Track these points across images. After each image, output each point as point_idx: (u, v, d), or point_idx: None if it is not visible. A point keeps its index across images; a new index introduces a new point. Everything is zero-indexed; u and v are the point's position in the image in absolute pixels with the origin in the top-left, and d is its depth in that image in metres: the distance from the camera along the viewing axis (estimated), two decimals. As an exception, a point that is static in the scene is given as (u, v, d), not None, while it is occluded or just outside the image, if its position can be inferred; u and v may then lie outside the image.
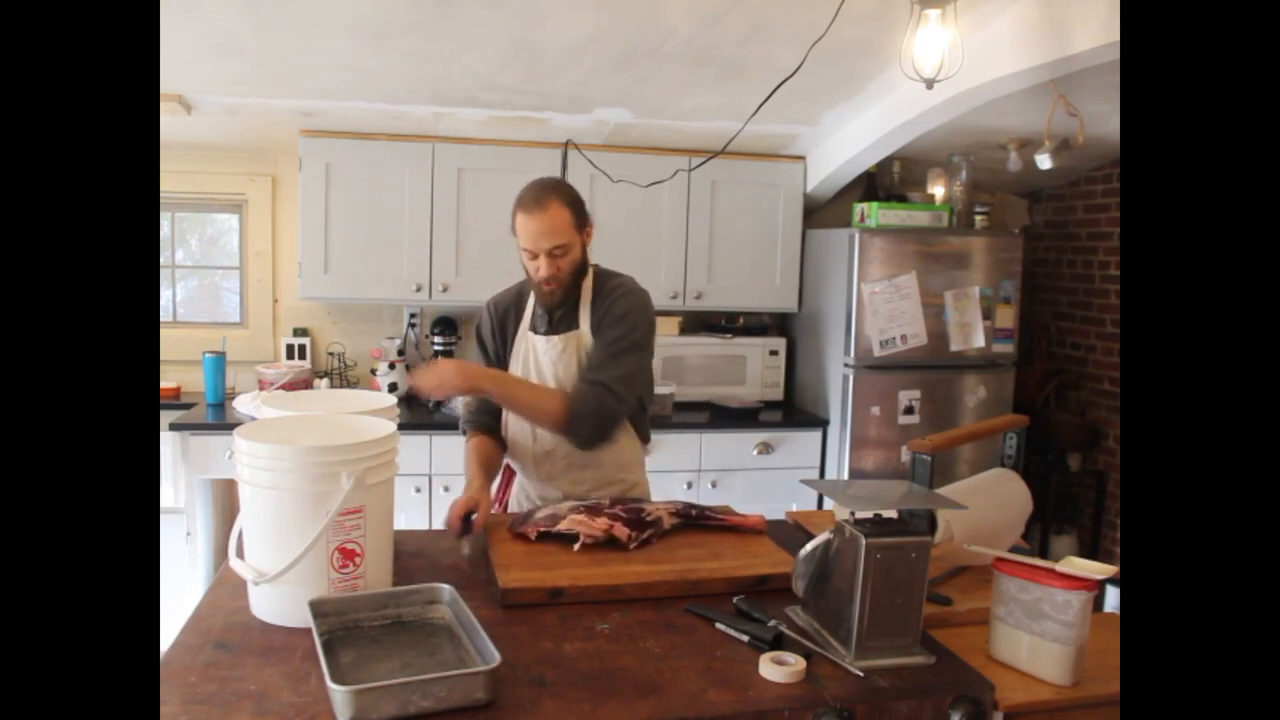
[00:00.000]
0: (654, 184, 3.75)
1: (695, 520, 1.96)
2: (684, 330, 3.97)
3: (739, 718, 1.26)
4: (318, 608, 1.40)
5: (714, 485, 3.67)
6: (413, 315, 4.03)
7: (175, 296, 4.02)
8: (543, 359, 2.13)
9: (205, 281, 4.09)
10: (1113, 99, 3.07)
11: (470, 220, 3.68)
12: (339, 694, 1.17)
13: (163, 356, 3.76)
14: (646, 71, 3.06)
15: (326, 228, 3.59)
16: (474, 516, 1.89)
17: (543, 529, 1.83)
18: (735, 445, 3.67)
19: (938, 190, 3.88)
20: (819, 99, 3.36)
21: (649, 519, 1.88)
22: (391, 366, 3.87)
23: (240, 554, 1.52)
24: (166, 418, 3.41)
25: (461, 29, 2.72)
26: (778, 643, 1.42)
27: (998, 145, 3.71)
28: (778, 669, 1.34)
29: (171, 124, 3.39)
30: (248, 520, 1.52)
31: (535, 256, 2.02)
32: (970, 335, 3.71)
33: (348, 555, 1.49)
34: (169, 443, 3.43)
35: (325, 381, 3.87)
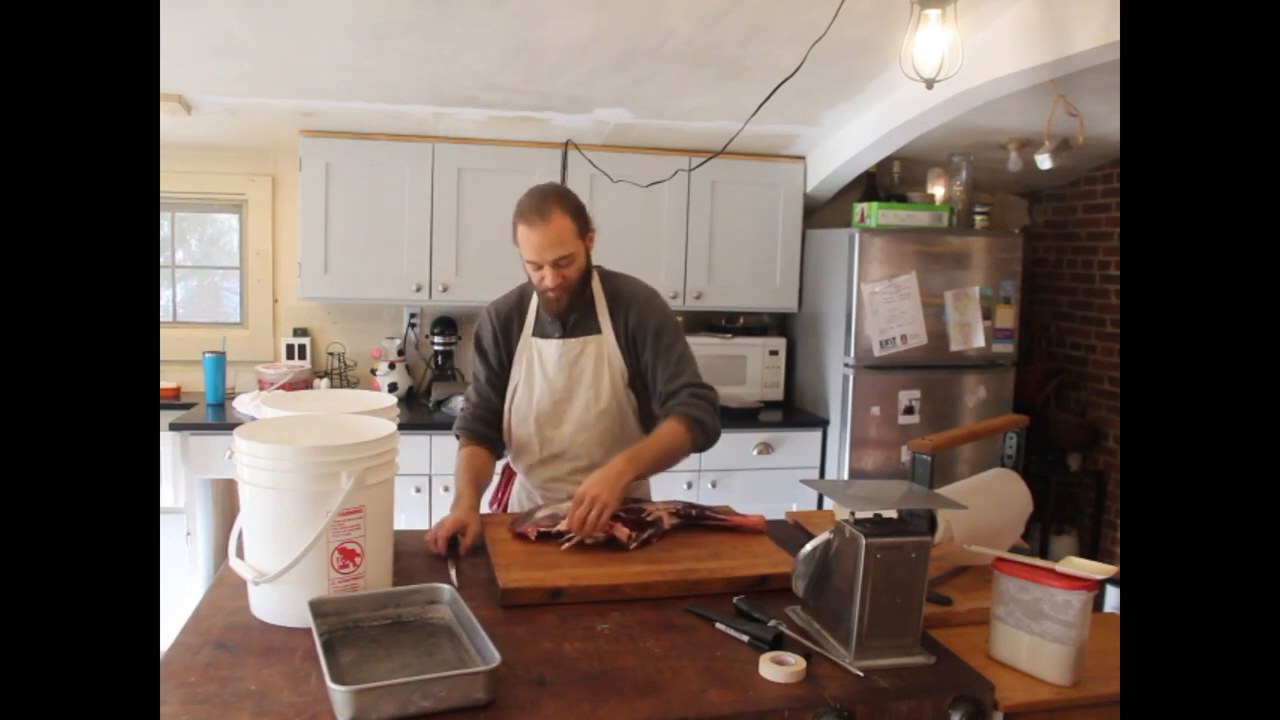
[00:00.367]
0: (654, 184, 3.75)
1: (695, 520, 1.96)
2: (684, 330, 3.96)
3: (739, 718, 1.26)
4: (318, 608, 1.40)
5: (714, 485, 3.67)
6: (413, 315, 4.03)
7: (175, 296, 4.02)
8: (550, 364, 2.12)
9: (205, 281, 4.09)
10: (1113, 99, 3.07)
11: (470, 220, 3.68)
12: (339, 694, 1.17)
13: (163, 356, 3.76)
14: (646, 71, 3.06)
15: (326, 228, 3.59)
16: (460, 538, 1.84)
17: (543, 529, 1.83)
18: (735, 445, 3.67)
19: (938, 190, 3.88)
20: (819, 99, 3.36)
21: (649, 519, 1.88)
22: (391, 366, 3.88)
23: (240, 554, 1.52)
24: (166, 418, 3.41)
25: (461, 29, 2.72)
26: (778, 643, 1.42)
27: (998, 145, 3.71)
28: (778, 669, 1.34)
29: (171, 124, 3.39)
30: (248, 520, 1.52)
31: (539, 267, 2.00)
32: (970, 335, 3.71)
33: (348, 555, 1.49)
34: (169, 443, 3.43)
35: (325, 381, 3.87)
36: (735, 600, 1.58)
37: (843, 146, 3.67)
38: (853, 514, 1.45)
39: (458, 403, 3.56)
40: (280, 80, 3.12)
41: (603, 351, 2.10)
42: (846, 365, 3.66)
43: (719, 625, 1.51)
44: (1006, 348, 3.78)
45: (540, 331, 2.15)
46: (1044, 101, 3.03)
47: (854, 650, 1.40)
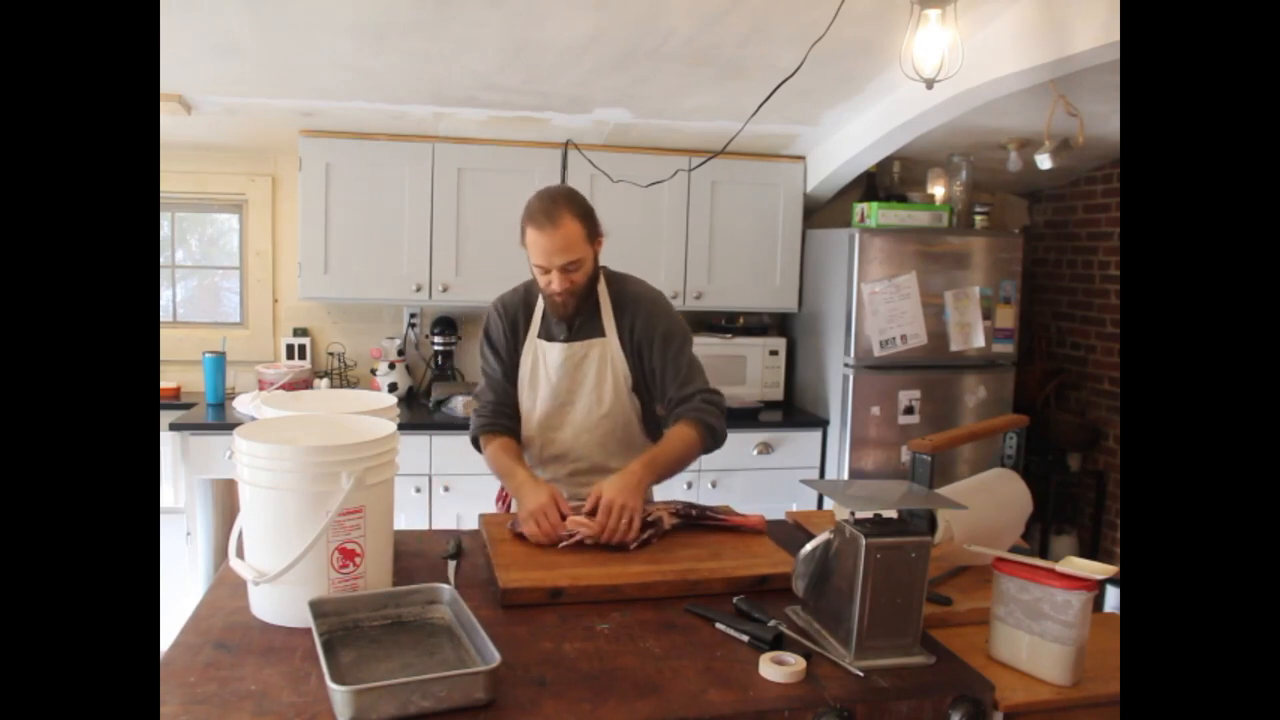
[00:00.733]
0: (654, 184, 3.75)
1: (695, 520, 1.96)
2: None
3: (739, 718, 1.26)
4: (318, 608, 1.40)
5: (714, 485, 3.67)
6: (413, 315, 4.03)
7: (175, 296, 4.02)
8: (553, 367, 2.12)
9: (205, 281, 4.09)
10: (1113, 99, 3.07)
11: (470, 220, 3.68)
12: (339, 694, 1.17)
13: (163, 356, 3.76)
14: (646, 71, 3.06)
15: (326, 228, 3.59)
16: (560, 508, 1.83)
17: (562, 541, 1.83)
18: (735, 445, 3.64)
19: (938, 190, 3.88)
20: (819, 99, 3.36)
21: (649, 519, 1.88)
22: (391, 366, 3.88)
23: (240, 554, 1.52)
24: (166, 418, 3.41)
25: (461, 29, 2.72)
26: (778, 643, 1.42)
27: (998, 145, 3.71)
28: (778, 669, 1.34)
29: (171, 124, 3.39)
30: (248, 520, 1.52)
31: (547, 271, 1.99)
32: (970, 335, 3.71)
33: (348, 555, 1.49)
34: (169, 443, 3.43)
35: (325, 381, 3.87)
36: (735, 600, 1.58)
37: (843, 146, 3.67)
38: (853, 514, 1.45)
39: (458, 403, 3.56)
40: (280, 80, 3.12)
41: (607, 355, 2.10)
42: (846, 365, 3.66)
43: (719, 625, 1.51)
44: (1006, 348, 3.78)
45: (545, 333, 2.14)
46: (1044, 101, 3.03)
47: (854, 650, 1.40)
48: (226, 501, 3.53)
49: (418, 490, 3.45)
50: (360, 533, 1.49)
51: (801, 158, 3.97)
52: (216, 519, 3.50)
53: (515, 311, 2.18)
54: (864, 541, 1.38)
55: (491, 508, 2.38)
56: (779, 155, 3.97)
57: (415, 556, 1.81)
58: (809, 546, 1.48)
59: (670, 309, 2.16)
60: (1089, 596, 1.37)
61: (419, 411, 3.67)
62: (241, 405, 3.37)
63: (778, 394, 4.01)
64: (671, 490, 3.53)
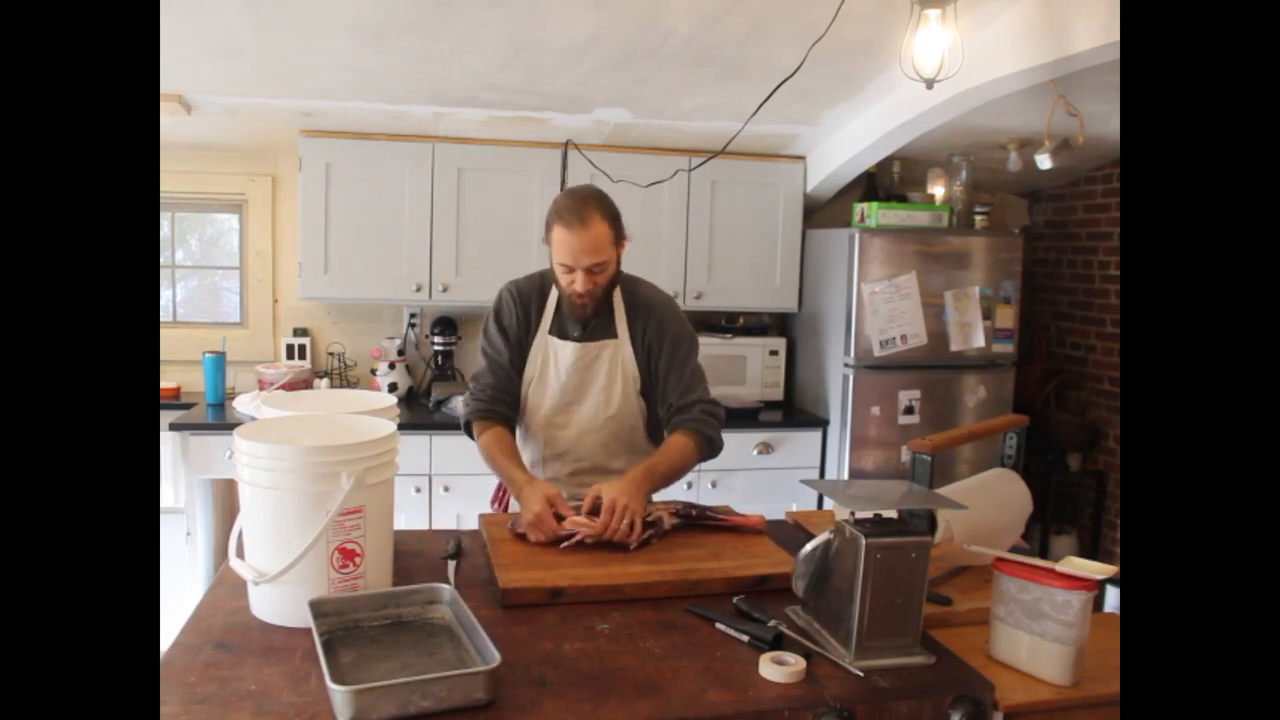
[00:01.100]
0: (654, 184, 3.75)
1: (695, 520, 1.96)
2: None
3: (739, 718, 1.26)
4: (318, 608, 1.40)
5: (714, 485, 3.67)
6: (413, 315, 4.03)
7: (175, 296, 4.02)
8: (564, 365, 2.11)
9: (205, 281, 4.09)
10: (1113, 99, 3.07)
11: (470, 220, 3.68)
12: (339, 694, 1.17)
13: (163, 356, 3.76)
14: (646, 71, 3.06)
15: (326, 228, 3.59)
16: (557, 506, 1.82)
17: (563, 541, 1.83)
18: (735, 445, 3.65)
19: (938, 190, 3.88)
20: (819, 99, 3.36)
21: (649, 519, 1.88)
22: (391, 366, 3.88)
23: (240, 554, 1.52)
24: (166, 418, 3.41)
25: (461, 29, 2.72)
26: (778, 643, 1.42)
27: (998, 145, 3.71)
28: (778, 669, 1.34)
29: (171, 124, 3.39)
30: (248, 520, 1.52)
31: (571, 271, 1.98)
32: (970, 335, 3.71)
33: (348, 555, 1.49)
34: (169, 443, 3.43)
35: (325, 381, 3.87)
36: (735, 600, 1.58)
37: (843, 146, 3.67)
38: (853, 514, 1.45)
39: (458, 403, 3.56)
40: (280, 80, 3.12)
41: (618, 358, 2.10)
42: (846, 365, 3.66)
43: (719, 625, 1.51)
44: (1006, 348, 3.78)
45: (558, 330, 2.13)
46: (1044, 101, 3.03)
47: (854, 650, 1.40)
48: (226, 501, 3.53)
49: (418, 490, 3.45)
50: (360, 533, 1.49)
51: (801, 158, 3.97)
52: (216, 519, 3.50)
53: (530, 299, 2.16)
54: (864, 541, 1.38)
55: (490, 508, 2.38)
56: (779, 155, 3.97)
57: (415, 556, 1.81)
58: (809, 546, 1.48)
59: (681, 315, 2.17)
60: (1089, 596, 1.37)
61: (419, 411, 3.67)
62: (241, 405, 3.37)
63: (778, 394, 4.01)
64: (671, 490, 3.51)
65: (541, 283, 2.17)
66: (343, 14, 2.63)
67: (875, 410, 3.65)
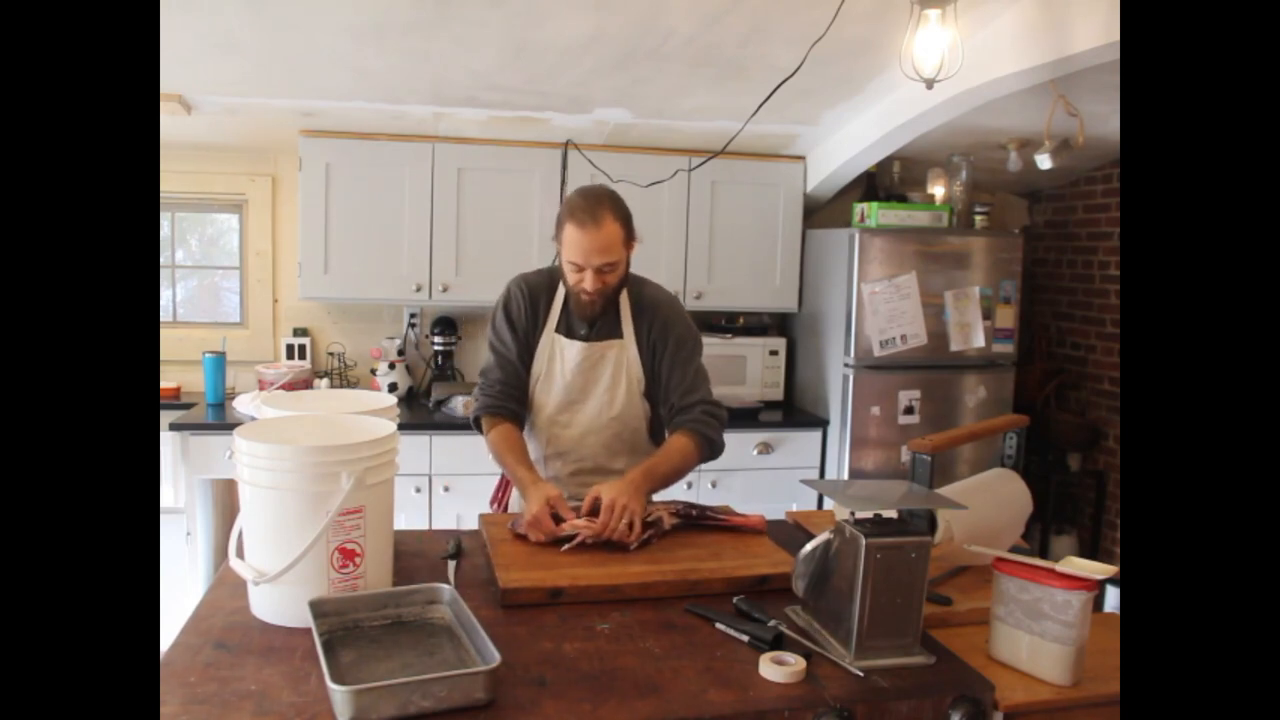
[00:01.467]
0: (654, 184, 3.75)
1: (695, 520, 1.96)
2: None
3: (739, 718, 1.26)
4: (318, 608, 1.40)
5: (714, 485, 3.67)
6: (413, 315, 4.03)
7: (175, 296, 4.02)
8: (569, 364, 2.11)
9: (205, 281, 4.09)
10: (1113, 99, 3.07)
11: (470, 220, 3.68)
12: (339, 694, 1.17)
13: (163, 356, 3.76)
14: (646, 71, 3.06)
15: (326, 228, 3.59)
16: (556, 509, 1.82)
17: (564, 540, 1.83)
18: (735, 445, 3.63)
19: (938, 190, 3.88)
20: (819, 99, 3.36)
21: (649, 519, 1.88)
22: (391, 366, 3.88)
23: (240, 554, 1.52)
24: (166, 418, 3.41)
25: (461, 29, 2.72)
26: (778, 643, 1.42)
27: (998, 145, 3.71)
28: (778, 669, 1.34)
29: (171, 124, 3.39)
30: (248, 520, 1.52)
31: (581, 270, 1.98)
32: (970, 335, 3.71)
33: (348, 555, 1.49)
34: (169, 443, 3.43)
35: (325, 381, 3.87)
36: (735, 600, 1.58)
37: (843, 146, 3.67)
38: (853, 514, 1.45)
39: (458, 403, 3.56)
40: (280, 80, 3.12)
41: (623, 358, 2.10)
42: (846, 365, 3.66)
43: (719, 625, 1.51)
44: (1006, 348, 3.78)
45: (565, 329, 2.13)
46: (1044, 101, 3.03)
47: (854, 650, 1.40)
48: (226, 501, 3.53)
49: (418, 490, 3.45)
50: (360, 533, 1.49)
51: (801, 158, 3.97)
52: (216, 519, 3.50)
53: (539, 294, 2.14)
54: (864, 541, 1.38)
55: (490, 508, 2.38)
56: (779, 155, 3.97)
57: (415, 556, 1.81)
58: (809, 546, 1.48)
59: (686, 316, 2.17)
60: (1089, 596, 1.37)
61: (419, 411, 3.67)
62: (241, 405, 3.37)
63: (778, 394, 4.01)
64: (672, 490, 3.52)
65: (550, 279, 2.16)
66: (343, 14, 2.63)
67: (875, 410, 3.65)
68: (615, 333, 2.11)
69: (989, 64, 2.75)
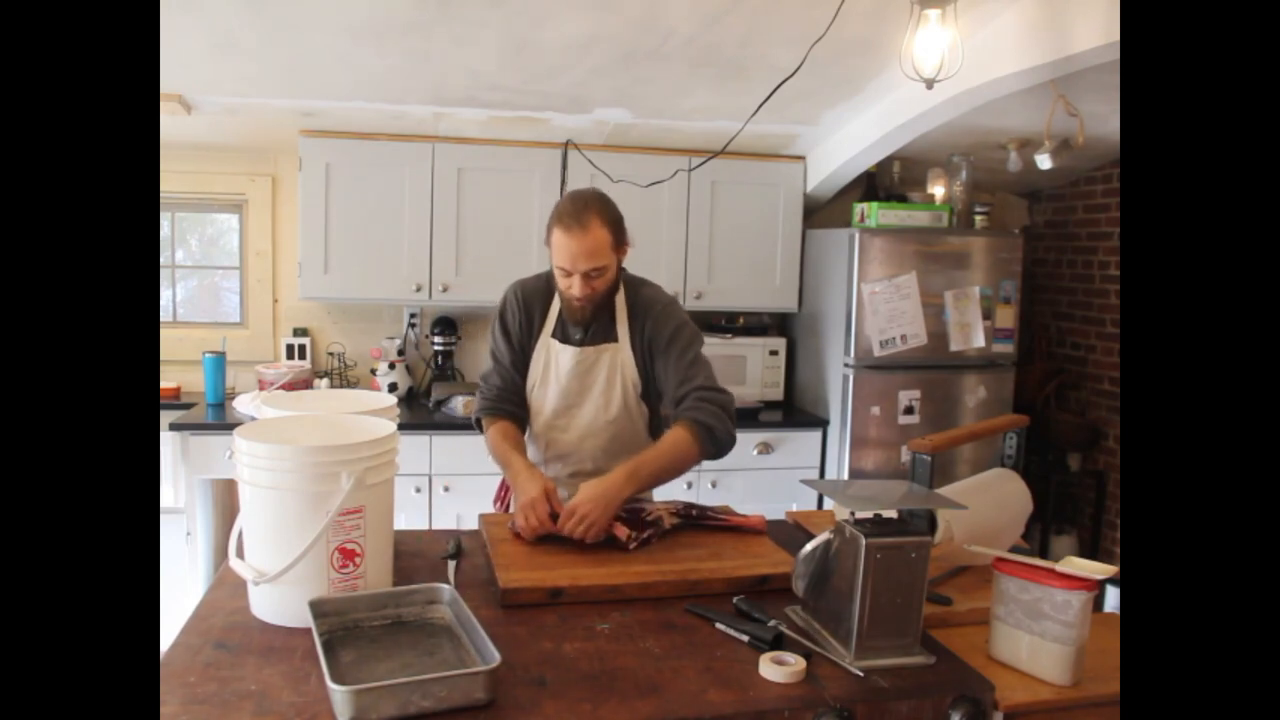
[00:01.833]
0: (654, 184, 3.75)
1: (695, 520, 1.96)
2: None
3: (739, 718, 1.26)
4: (318, 608, 1.40)
5: (714, 485, 3.67)
6: (413, 315, 4.03)
7: (175, 296, 4.02)
8: (564, 369, 2.11)
9: (205, 281, 4.09)
10: (1113, 99, 3.07)
11: (470, 220, 3.68)
12: (339, 694, 1.17)
13: (163, 356, 3.76)
14: (646, 71, 3.06)
15: (326, 228, 3.59)
16: (550, 502, 1.82)
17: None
18: (736, 445, 3.66)
19: (938, 190, 3.88)
20: (819, 99, 3.36)
21: (649, 519, 1.88)
22: (391, 366, 3.87)
23: (240, 554, 1.52)
24: (166, 418, 3.41)
25: (461, 29, 2.72)
26: (778, 643, 1.42)
27: (998, 145, 3.71)
28: (778, 669, 1.34)
29: (171, 124, 3.39)
30: (248, 520, 1.52)
31: (569, 275, 1.97)
32: (970, 335, 3.71)
33: (348, 555, 1.49)
34: (169, 443, 3.43)
35: (325, 381, 3.87)
36: (735, 600, 1.58)
37: (843, 146, 3.67)
38: (853, 514, 1.45)
39: (458, 403, 3.56)
40: (280, 80, 3.12)
41: (617, 361, 2.10)
42: (846, 365, 3.66)
43: (719, 625, 1.51)
44: (1006, 348, 3.78)
45: (560, 334, 2.13)
46: (1044, 101, 3.03)
47: (854, 650, 1.40)
48: (226, 501, 3.53)
49: (418, 490, 3.45)
50: (360, 533, 1.49)
51: (801, 158, 3.97)
52: (216, 519, 3.50)
53: (533, 301, 2.15)
54: (864, 541, 1.38)
55: (491, 508, 2.38)
56: (779, 155, 3.97)
57: (415, 556, 1.81)
58: (809, 546, 1.48)
59: (682, 313, 2.13)
60: (1089, 596, 1.37)
61: (419, 411, 3.67)
62: (241, 405, 3.37)
63: (778, 394, 4.01)
64: (672, 490, 3.52)
65: (547, 285, 2.16)
66: (343, 14, 2.63)
67: (875, 410, 3.65)
68: (610, 336, 2.10)
69: (989, 64, 2.75)
